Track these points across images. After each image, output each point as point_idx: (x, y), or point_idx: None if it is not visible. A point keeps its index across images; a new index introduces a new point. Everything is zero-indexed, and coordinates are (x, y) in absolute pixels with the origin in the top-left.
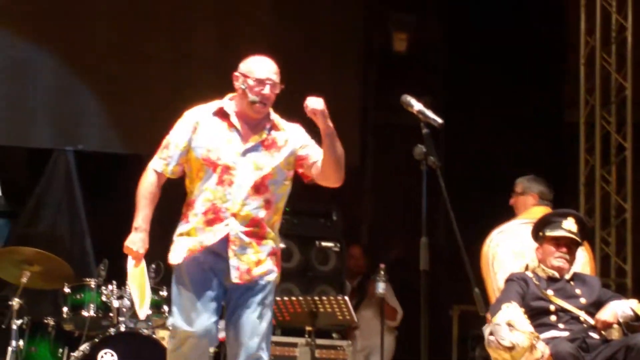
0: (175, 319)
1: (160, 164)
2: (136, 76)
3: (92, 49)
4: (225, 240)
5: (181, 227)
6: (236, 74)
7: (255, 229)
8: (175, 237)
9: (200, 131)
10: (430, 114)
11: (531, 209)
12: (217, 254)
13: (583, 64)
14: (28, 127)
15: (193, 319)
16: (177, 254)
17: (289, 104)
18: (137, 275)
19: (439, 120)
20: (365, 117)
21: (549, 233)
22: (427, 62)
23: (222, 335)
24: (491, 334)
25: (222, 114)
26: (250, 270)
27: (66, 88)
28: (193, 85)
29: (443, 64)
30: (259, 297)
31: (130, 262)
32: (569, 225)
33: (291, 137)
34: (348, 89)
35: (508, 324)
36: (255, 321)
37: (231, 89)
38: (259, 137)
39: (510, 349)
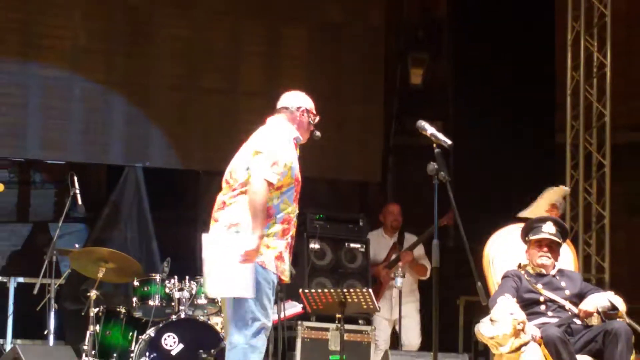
0: (258, 314)
1: (275, 177)
2: (192, 105)
3: (157, 82)
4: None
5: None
6: (303, 109)
7: None
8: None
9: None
10: (441, 136)
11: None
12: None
13: (569, 95)
14: (105, 148)
15: (269, 314)
16: (268, 257)
17: (324, 132)
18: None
19: (448, 142)
20: (387, 140)
21: (532, 237)
22: (439, 93)
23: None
24: (477, 328)
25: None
26: None
27: (135, 116)
28: (241, 112)
29: (452, 95)
30: None
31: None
32: (548, 229)
33: None
34: (373, 116)
35: (490, 320)
36: None
37: (269, 114)
38: None
39: (491, 338)
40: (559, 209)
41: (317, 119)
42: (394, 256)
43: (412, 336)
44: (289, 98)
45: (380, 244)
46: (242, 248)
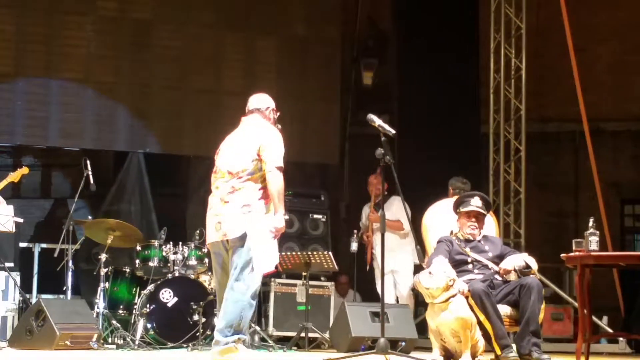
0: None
1: (283, 163)
2: (185, 102)
3: (155, 83)
4: None
5: (265, 207)
6: (271, 108)
7: None
8: (261, 214)
9: None
10: (386, 127)
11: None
12: None
13: (492, 93)
14: (112, 137)
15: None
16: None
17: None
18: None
19: (393, 131)
20: (344, 130)
21: (462, 209)
22: (385, 92)
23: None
24: (417, 277)
25: None
26: None
27: (137, 110)
28: (224, 108)
29: (397, 93)
30: None
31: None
32: (476, 202)
33: None
34: (331, 111)
35: (429, 272)
36: None
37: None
38: None
39: (427, 289)
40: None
41: (278, 114)
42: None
43: (402, 288)
44: (259, 101)
45: (366, 212)
46: (273, 227)
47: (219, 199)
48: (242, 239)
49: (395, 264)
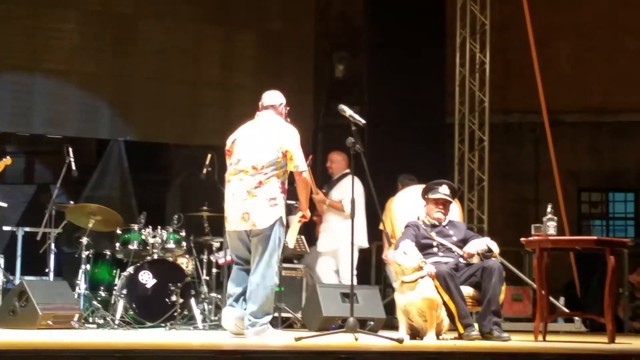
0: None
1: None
2: (165, 92)
3: (137, 74)
4: None
5: (284, 200)
6: (284, 104)
7: None
8: (284, 206)
9: None
10: (357, 117)
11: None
12: None
13: (457, 86)
14: (94, 125)
15: None
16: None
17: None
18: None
19: (363, 121)
20: (317, 120)
21: (431, 196)
22: (357, 84)
23: (221, 261)
24: (393, 255)
25: None
26: None
27: (119, 100)
28: (202, 98)
29: (367, 86)
30: None
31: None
32: (444, 190)
33: None
34: (306, 102)
35: (404, 252)
36: None
37: (230, 102)
38: None
39: (399, 265)
40: None
41: (288, 109)
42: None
43: (343, 271)
44: (273, 97)
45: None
46: (301, 218)
47: (245, 192)
48: (271, 228)
49: (335, 244)
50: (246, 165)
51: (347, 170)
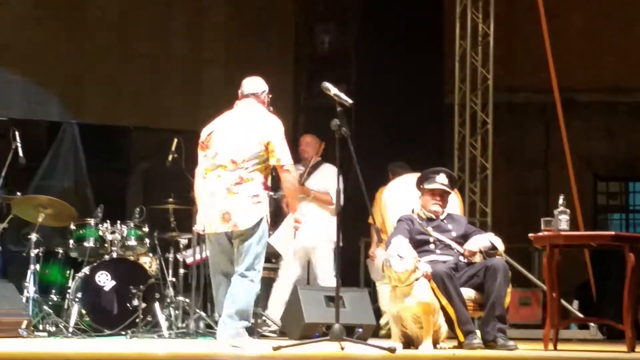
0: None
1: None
2: (125, 68)
3: (92, 49)
4: None
5: (268, 197)
6: (266, 92)
7: None
8: (267, 203)
9: None
10: (343, 96)
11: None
12: None
13: (457, 61)
14: (44, 106)
15: None
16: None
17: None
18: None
19: (350, 101)
20: (298, 101)
21: (427, 186)
22: (343, 60)
23: (190, 260)
24: (387, 260)
25: None
26: None
27: (72, 78)
28: (168, 74)
29: (355, 62)
30: None
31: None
32: (441, 179)
33: None
34: (284, 80)
35: (398, 256)
36: None
37: (199, 80)
38: None
39: (397, 272)
40: None
41: (271, 96)
42: None
43: (320, 271)
44: (254, 85)
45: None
46: (293, 226)
47: (225, 189)
48: (254, 228)
49: (312, 241)
50: (225, 160)
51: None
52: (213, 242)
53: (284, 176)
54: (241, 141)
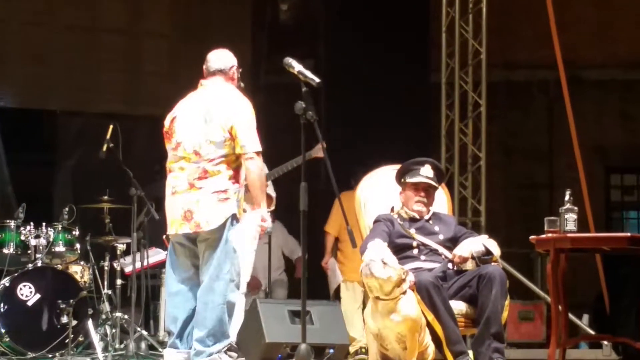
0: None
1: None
2: (51, 42)
3: (13, 18)
4: None
5: (240, 192)
6: (235, 67)
7: None
8: (237, 200)
9: None
10: (309, 74)
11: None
12: None
13: (444, 31)
14: None
15: None
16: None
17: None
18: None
19: (317, 80)
20: (257, 79)
21: (409, 180)
22: (310, 31)
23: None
24: (367, 265)
25: None
26: None
27: None
28: (100, 51)
29: (324, 33)
30: None
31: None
32: (426, 172)
33: None
34: (241, 53)
35: (382, 262)
36: None
37: (139, 55)
38: None
39: (378, 279)
40: None
41: (241, 70)
42: None
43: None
44: (221, 59)
45: None
46: (258, 225)
47: (187, 184)
48: (220, 230)
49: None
50: (187, 151)
51: None
52: (176, 246)
53: (247, 164)
54: (204, 128)
